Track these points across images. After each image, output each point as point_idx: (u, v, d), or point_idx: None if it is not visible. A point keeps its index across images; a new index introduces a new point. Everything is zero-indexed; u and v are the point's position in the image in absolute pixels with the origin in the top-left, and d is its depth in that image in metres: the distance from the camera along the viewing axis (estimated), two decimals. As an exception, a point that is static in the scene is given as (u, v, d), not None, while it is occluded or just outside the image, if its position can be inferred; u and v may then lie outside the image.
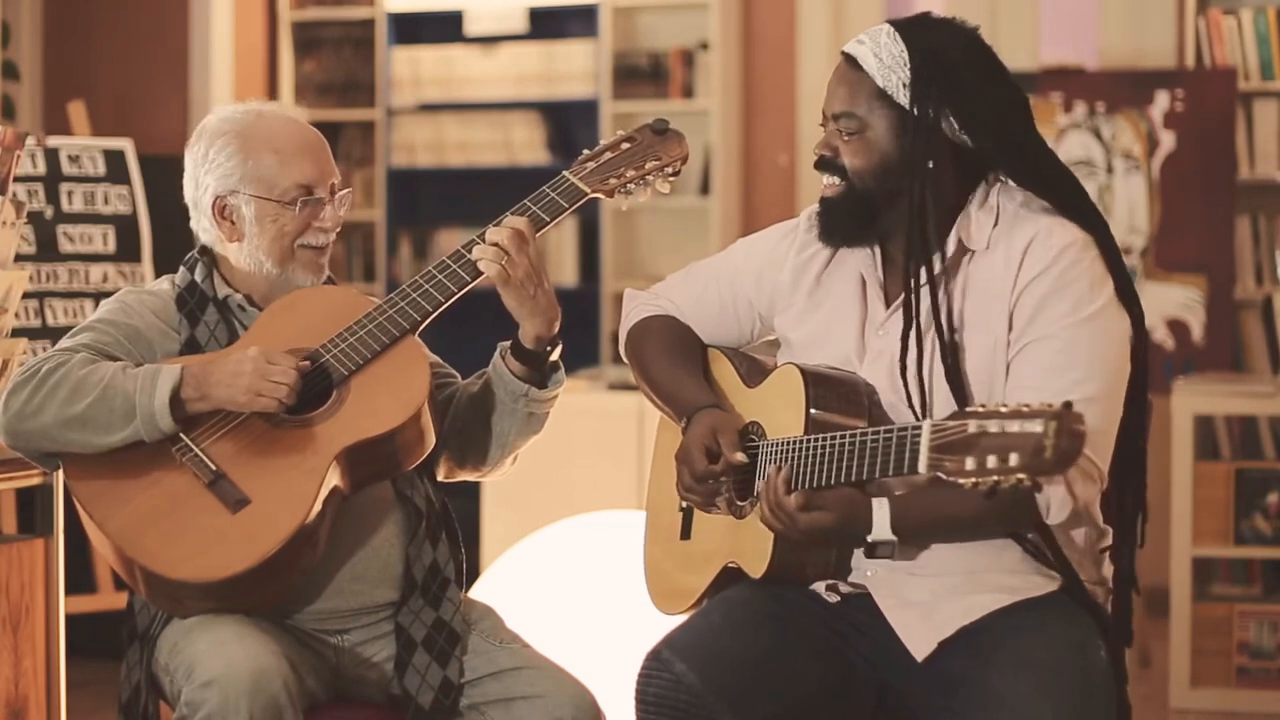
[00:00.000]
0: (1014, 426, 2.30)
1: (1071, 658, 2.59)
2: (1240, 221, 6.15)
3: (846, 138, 2.71)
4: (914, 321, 2.66)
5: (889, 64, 2.68)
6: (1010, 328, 2.65)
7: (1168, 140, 6.02)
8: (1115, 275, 2.68)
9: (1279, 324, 5.53)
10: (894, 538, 2.58)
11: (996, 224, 2.70)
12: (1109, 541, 2.76)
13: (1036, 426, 2.28)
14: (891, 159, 2.69)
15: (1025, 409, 2.31)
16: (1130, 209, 6.06)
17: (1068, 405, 2.29)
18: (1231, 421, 5.58)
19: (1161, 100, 6.01)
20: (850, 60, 2.72)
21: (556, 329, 2.91)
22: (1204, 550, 5.34)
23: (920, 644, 2.63)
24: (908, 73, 2.67)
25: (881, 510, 2.58)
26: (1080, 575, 2.69)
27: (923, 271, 2.67)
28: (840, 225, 2.75)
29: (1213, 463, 5.43)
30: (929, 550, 2.67)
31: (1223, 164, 5.99)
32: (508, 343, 2.94)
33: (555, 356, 2.94)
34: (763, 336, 2.96)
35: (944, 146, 2.68)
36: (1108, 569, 2.76)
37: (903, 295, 2.69)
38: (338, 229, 2.97)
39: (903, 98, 2.67)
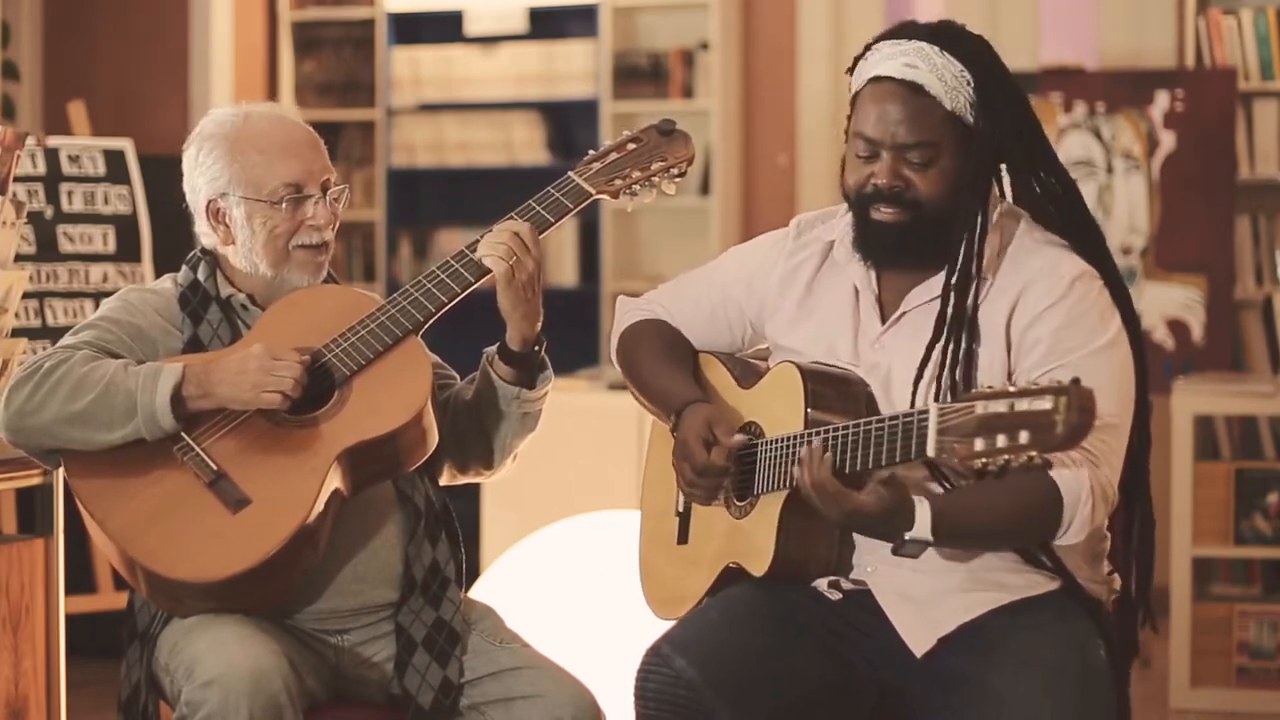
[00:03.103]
0: (1022, 404, 2.29)
1: (1071, 656, 2.59)
2: (1240, 221, 6.15)
3: (921, 167, 2.66)
4: (944, 332, 2.65)
5: (953, 85, 2.65)
6: (1009, 355, 2.65)
7: (1168, 140, 6.02)
8: (1119, 304, 2.68)
9: (1279, 324, 5.53)
10: (931, 538, 2.54)
11: (1003, 251, 2.70)
12: (1108, 545, 2.76)
13: (1045, 403, 2.28)
14: (963, 177, 2.66)
15: (1033, 386, 2.30)
16: (1130, 209, 6.06)
17: (1076, 381, 2.28)
18: (1231, 421, 5.58)
19: (1161, 100, 6.01)
20: (911, 86, 2.65)
21: (539, 327, 2.91)
22: (1204, 550, 5.34)
23: (920, 641, 2.64)
24: (972, 91, 2.64)
25: (923, 509, 2.54)
26: (1076, 577, 2.69)
27: (954, 279, 2.66)
28: (907, 251, 2.69)
29: (1213, 463, 5.42)
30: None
31: (1223, 164, 5.99)
32: (493, 348, 2.94)
33: (542, 354, 2.94)
34: (754, 344, 2.95)
35: (994, 159, 2.68)
36: (1106, 568, 2.76)
37: (936, 305, 2.68)
38: (332, 227, 2.96)
39: (969, 116, 2.65)
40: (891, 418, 2.49)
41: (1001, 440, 2.30)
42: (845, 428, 2.56)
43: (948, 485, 2.61)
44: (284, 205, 2.91)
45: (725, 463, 2.71)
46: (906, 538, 2.54)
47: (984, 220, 2.67)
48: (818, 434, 2.60)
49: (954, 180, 2.66)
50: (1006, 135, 2.67)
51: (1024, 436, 2.28)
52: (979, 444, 2.32)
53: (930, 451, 2.40)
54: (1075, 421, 2.26)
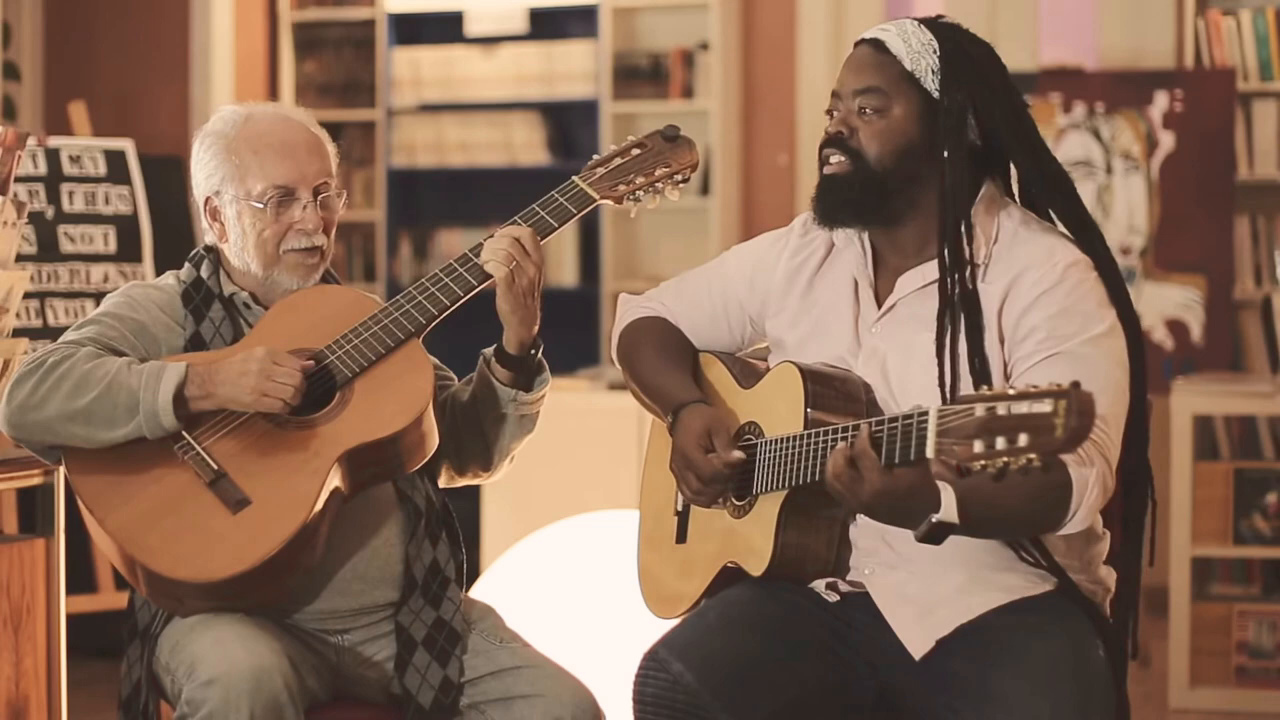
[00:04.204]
0: (1022, 407, 2.28)
1: (1069, 656, 2.59)
2: (1239, 221, 6.16)
3: (869, 115, 2.69)
4: (950, 301, 2.65)
5: (917, 50, 2.68)
6: (1002, 345, 2.65)
7: (1167, 140, 6.02)
8: (1115, 295, 2.69)
9: (1278, 324, 5.54)
10: (957, 520, 2.51)
11: (996, 240, 2.70)
12: (1105, 545, 2.76)
13: (1045, 406, 2.27)
14: (914, 144, 2.68)
15: (1033, 389, 2.30)
16: (1130, 209, 6.07)
17: (1076, 384, 2.28)
18: (1231, 421, 5.59)
19: (1161, 101, 6.02)
20: (875, 44, 2.71)
21: (536, 331, 2.92)
22: (1203, 550, 5.34)
23: (918, 642, 2.64)
24: (937, 60, 2.67)
25: (948, 493, 2.52)
26: (1071, 577, 2.69)
27: (945, 251, 2.67)
28: (846, 206, 2.72)
29: (1212, 463, 5.43)
30: (929, 548, 2.66)
31: (1222, 164, 6.00)
32: (491, 350, 2.95)
33: (539, 358, 2.95)
34: (754, 342, 2.96)
35: (964, 141, 2.68)
36: (1104, 571, 2.76)
37: (928, 292, 2.69)
38: (325, 231, 2.95)
39: (930, 84, 2.68)
40: (891, 419, 2.49)
41: (1000, 443, 2.29)
42: (844, 428, 2.57)
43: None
44: (268, 207, 2.91)
45: (730, 470, 2.72)
46: (934, 520, 2.51)
47: (955, 196, 2.67)
48: (817, 434, 2.60)
49: (903, 141, 2.68)
50: (991, 120, 2.67)
51: (1023, 439, 2.28)
52: (978, 446, 2.31)
53: (929, 452, 2.40)
54: (1075, 425, 2.25)
